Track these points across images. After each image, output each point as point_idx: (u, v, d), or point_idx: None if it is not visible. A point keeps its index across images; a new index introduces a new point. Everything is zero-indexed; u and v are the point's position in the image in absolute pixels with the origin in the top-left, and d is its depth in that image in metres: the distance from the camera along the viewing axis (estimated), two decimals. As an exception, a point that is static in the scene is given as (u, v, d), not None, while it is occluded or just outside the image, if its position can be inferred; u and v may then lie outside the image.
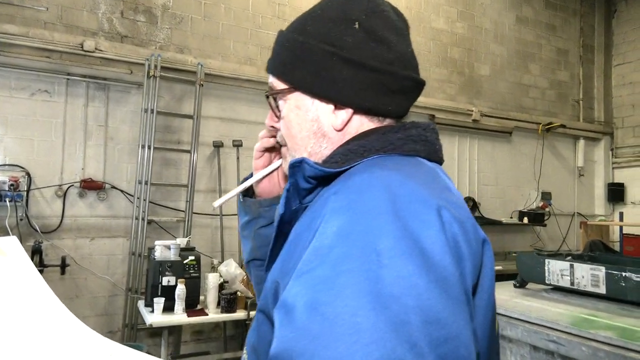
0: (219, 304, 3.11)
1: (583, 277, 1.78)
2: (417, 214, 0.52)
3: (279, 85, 0.74)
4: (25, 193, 3.42)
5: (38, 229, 3.42)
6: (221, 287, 3.18)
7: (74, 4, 3.64)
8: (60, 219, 3.55)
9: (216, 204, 0.88)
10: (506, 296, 2.02)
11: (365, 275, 0.47)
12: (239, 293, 3.14)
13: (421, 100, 5.00)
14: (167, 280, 3.01)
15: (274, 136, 0.82)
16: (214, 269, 3.39)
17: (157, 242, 3.18)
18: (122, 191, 3.75)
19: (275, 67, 0.74)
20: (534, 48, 6.02)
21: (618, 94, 6.47)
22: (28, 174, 3.46)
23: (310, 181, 0.65)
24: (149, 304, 3.02)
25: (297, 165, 0.64)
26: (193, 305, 3.10)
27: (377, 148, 0.65)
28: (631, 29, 6.31)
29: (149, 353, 1.08)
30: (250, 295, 3.21)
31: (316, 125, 0.71)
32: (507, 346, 1.74)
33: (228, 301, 3.07)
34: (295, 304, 0.48)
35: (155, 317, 2.92)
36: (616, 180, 6.38)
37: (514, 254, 5.41)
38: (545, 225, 5.73)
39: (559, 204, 6.00)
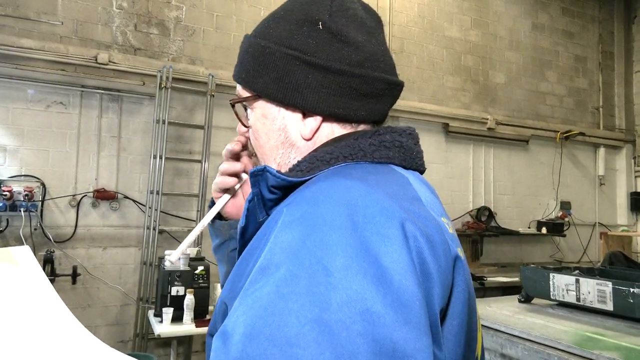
0: (227, 314, 3.08)
1: (589, 292, 1.69)
2: (377, 227, 0.47)
3: (244, 93, 0.70)
4: (39, 203, 3.48)
5: (52, 239, 3.47)
6: (230, 297, 3.16)
7: (89, 18, 3.72)
8: (73, 228, 3.59)
9: (173, 258, 0.80)
10: (509, 312, 1.94)
11: (312, 298, 0.42)
12: (247, 304, 3.11)
13: (435, 109, 4.98)
14: (176, 290, 3.01)
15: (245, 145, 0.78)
16: (223, 279, 3.37)
17: (166, 252, 3.19)
18: (134, 201, 3.79)
19: (239, 73, 0.70)
20: (551, 55, 5.91)
21: (639, 101, 6.29)
22: (43, 185, 3.52)
23: (274, 191, 0.59)
24: (158, 314, 3.01)
25: (260, 174, 0.59)
26: (202, 315, 3.08)
27: (345, 155, 0.60)
28: (652, 34, 6.16)
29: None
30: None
31: (283, 135, 0.67)
32: (505, 365, 1.66)
33: (236, 312, 3.03)
34: (234, 332, 0.43)
35: (163, 327, 2.91)
36: (639, 190, 6.18)
37: (532, 266, 5.27)
38: (564, 236, 5.56)
39: (579, 213, 5.84)
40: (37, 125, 3.56)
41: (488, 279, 4.16)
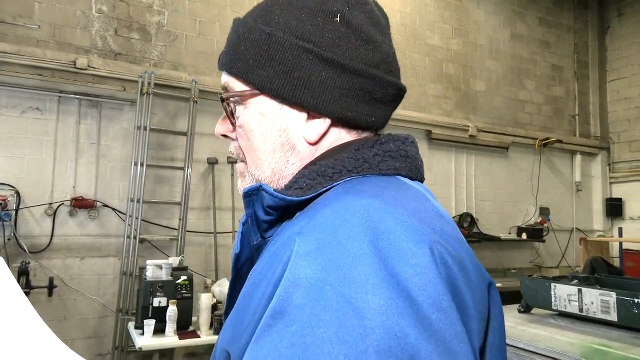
0: (211, 325, 3.02)
1: (592, 303, 1.68)
2: (405, 256, 0.41)
3: (238, 86, 0.60)
4: (14, 212, 3.35)
5: (27, 249, 3.34)
6: (214, 308, 3.09)
7: (67, 22, 3.62)
8: (49, 238, 3.46)
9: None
10: (511, 323, 1.92)
11: (345, 348, 0.36)
12: (232, 314, 3.04)
13: (417, 116, 5.01)
14: (158, 301, 2.92)
15: None
16: (207, 289, 3.30)
17: (148, 262, 3.10)
18: (114, 209, 3.68)
19: (233, 63, 0.60)
20: (529, 64, 6.04)
21: (613, 110, 6.47)
22: (17, 193, 3.39)
23: (270, 212, 0.53)
24: (139, 326, 2.92)
25: (255, 194, 0.53)
26: (185, 327, 3.00)
27: (349, 169, 0.54)
28: (625, 45, 6.36)
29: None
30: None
31: (284, 137, 0.59)
32: (513, 378, 1.64)
33: (221, 323, 2.96)
34: None
35: (145, 340, 2.82)
36: (614, 196, 6.34)
37: (513, 271, 5.34)
38: (544, 242, 5.66)
39: (557, 219, 5.95)
40: (11, 131, 3.43)
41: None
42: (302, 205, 0.52)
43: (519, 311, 2.12)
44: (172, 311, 2.90)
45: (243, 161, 0.64)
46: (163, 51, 3.95)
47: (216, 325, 2.97)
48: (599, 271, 3.11)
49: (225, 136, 0.66)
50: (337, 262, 0.40)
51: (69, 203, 3.54)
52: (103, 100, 3.69)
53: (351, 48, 0.57)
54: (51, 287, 3.27)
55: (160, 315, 2.90)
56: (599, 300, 1.65)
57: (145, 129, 3.61)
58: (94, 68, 3.61)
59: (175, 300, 2.93)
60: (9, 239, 3.30)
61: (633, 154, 6.21)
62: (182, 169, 3.82)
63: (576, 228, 6.16)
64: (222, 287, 3.19)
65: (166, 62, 3.95)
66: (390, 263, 0.40)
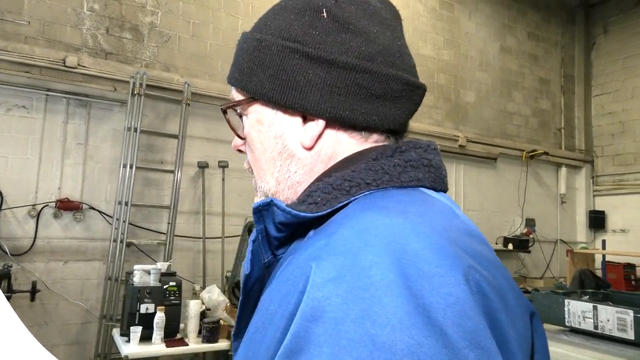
0: (200, 333, 2.95)
1: (609, 320, 1.65)
2: (437, 285, 0.36)
3: (237, 97, 0.60)
4: (-5, 213, 3.24)
5: (8, 252, 3.22)
6: (203, 315, 3.02)
7: (57, 19, 3.53)
8: (32, 240, 3.35)
9: None
10: None
11: None
12: (221, 321, 2.99)
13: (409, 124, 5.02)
14: (145, 307, 2.84)
15: None
16: (195, 295, 3.23)
17: (136, 267, 3.02)
18: (100, 212, 3.59)
19: (233, 74, 0.60)
20: (518, 77, 6.13)
21: (598, 124, 6.61)
22: (0, 193, 3.28)
23: (282, 229, 0.50)
24: (125, 333, 2.83)
25: (265, 209, 0.49)
26: (172, 334, 2.92)
27: (367, 182, 0.49)
28: (609, 61, 6.51)
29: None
30: (234, 323, 3.05)
31: (280, 144, 0.56)
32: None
33: (210, 330, 2.90)
34: None
35: (131, 347, 2.73)
36: (597, 208, 6.46)
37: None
38: (529, 252, 5.72)
39: (542, 230, 6.03)
40: (-5, 129, 3.32)
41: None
42: (315, 222, 0.48)
43: None
44: (160, 318, 2.82)
45: (252, 173, 0.62)
46: (155, 52, 3.89)
47: (205, 333, 2.90)
48: (587, 283, 3.15)
49: (240, 151, 0.64)
50: (358, 293, 0.36)
51: (53, 204, 3.43)
52: (92, 99, 3.61)
53: (339, 42, 0.53)
54: (33, 291, 3.15)
55: (147, 321, 2.81)
56: (615, 318, 1.63)
57: (136, 130, 3.54)
58: (84, 67, 3.53)
59: (163, 307, 2.85)
60: (-10, 241, 3.18)
61: (616, 168, 6.34)
62: (172, 172, 3.75)
63: (560, 239, 6.24)
64: (211, 294, 3.12)
65: (158, 63, 3.89)
66: (419, 293, 0.35)
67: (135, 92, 3.56)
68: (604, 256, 5.27)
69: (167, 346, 2.81)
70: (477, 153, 5.57)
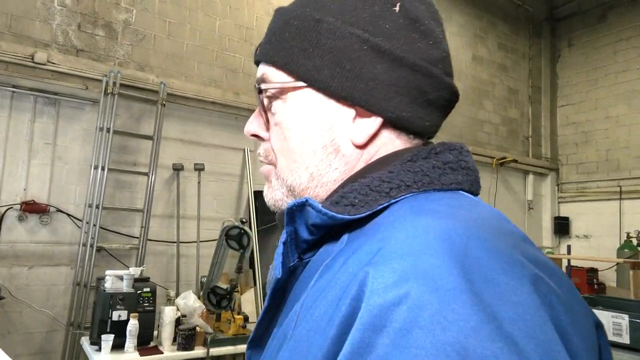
0: (175, 340, 2.86)
1: (604, 325, 1.65)
2: (505, 294, 0.34)
3: (278, 77, 0.53)
4: (-46, 215, 3.05)
5: (-32, 256, 3.04)
6: (178, 321, 2.94)
7: (25, 13, 3.38)
8: (-6, 244, 3.18)
9: None
10: None
11: None
12: (197, 328, 2.90)
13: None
14: (118, 314, 2.73)
15: None
16: (170, 301, 3.13)
17: (108, 272, 2.90)
18: (69, 215, 3.44)
19: (274, 52, 0.53)
20: (488, 86, 6.30)
21: (563, 133, 6.87)
22: (-40, 194, 3.10)
23: (314, 232, 0.47)
24: (95, 342, 2.71)
25: (298, 210, 0.46)
26: (146, 342, 2.82)
27: (408, 183, 0.46)
28: (574, 73, 6.78)
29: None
30: (210, 330, 2.98)
31: (328, 136, 0.52)
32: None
33: (185, 337, 2.82)
34: None
35: (102, 356, 2.62)
36: (562, 214, 6.69)
37: None
38: (499, 257, 5.85)
39: (511, 236, 6.18)
40: (-44, 126, 3.14)
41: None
42: (351, 225, 0.46)
43: None
44: (133, 325, 2.72)
45: (271, 164, 0.57)
46: (129, 50, 3.77)
47: (180, 340, 2.82)
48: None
49: (255, 136, 0.58)
50: (424, 298, 0.33)
51: (18, 207, 3.26)
52: (62, 98, 3.46)
53: (410, 41, 0.50)
54: (-4, 298, 2.98)
55: (119, 329, 2.71)
56: (610, 322, 1.65)
57: (108, 130, 3.42)
58: (53, 63, 3.39)
59: (137, 314, 2.75)
60: (-52, 245, 2.99)
61: (579, 176, 6.60)
62: (146, 174, 3.64)
63: (527, 244, 6.43)
64: (187, 300, 3.04)
65: (132, 62, 3.78)
66: (487, 301, 0.33)
67: (108, 91, 3.44)
68: (569, 261, 5.46)
69: (141, 354, 2.71)
70: (450, 159, 5.66)
